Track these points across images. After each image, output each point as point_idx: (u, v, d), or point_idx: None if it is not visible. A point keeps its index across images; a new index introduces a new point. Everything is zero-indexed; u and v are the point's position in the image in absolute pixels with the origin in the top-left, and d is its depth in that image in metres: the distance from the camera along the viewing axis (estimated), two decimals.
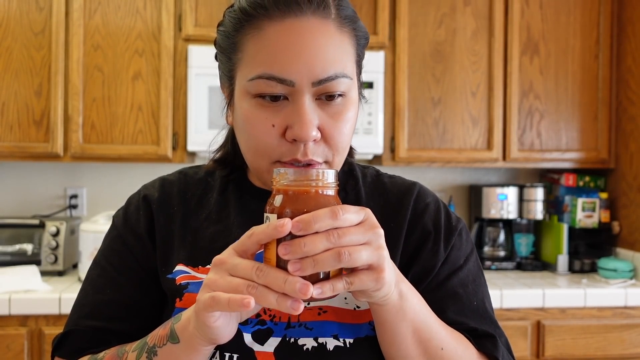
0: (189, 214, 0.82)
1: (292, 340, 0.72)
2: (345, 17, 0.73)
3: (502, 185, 2.69)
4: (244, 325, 0.72)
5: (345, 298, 0.75)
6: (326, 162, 0.73)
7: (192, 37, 2.39)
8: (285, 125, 0.70)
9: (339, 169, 0.77)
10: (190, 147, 2.35)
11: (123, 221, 0.84)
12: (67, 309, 2.04)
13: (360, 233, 0.58)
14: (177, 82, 2.40)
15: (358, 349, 0.72)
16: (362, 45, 0.77)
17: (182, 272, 0.77)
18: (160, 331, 0.69)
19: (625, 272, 2.44)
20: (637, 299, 2.29)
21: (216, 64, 0.82)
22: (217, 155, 0.89)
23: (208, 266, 0.77)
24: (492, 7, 2.55)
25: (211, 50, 2.51)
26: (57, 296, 2.05)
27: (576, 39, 2.62)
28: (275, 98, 0.70)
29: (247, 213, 0.81)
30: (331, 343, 0.71)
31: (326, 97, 0.71)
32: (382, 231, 0.60)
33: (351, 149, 0.87)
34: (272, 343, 0.72)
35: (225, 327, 0.62)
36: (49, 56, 2.34)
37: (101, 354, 0.75)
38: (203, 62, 2.34)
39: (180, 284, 0.76)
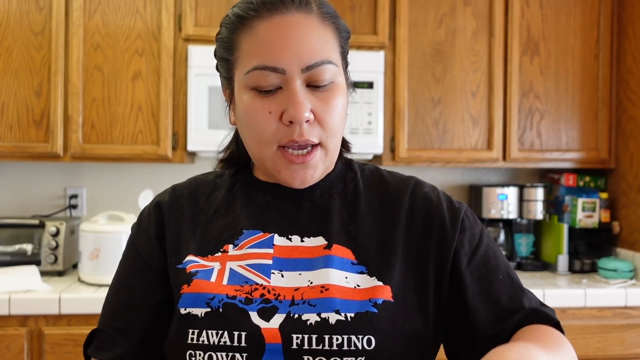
0: (199, 211, 0.89)
1: (296, 316, 0.75)
2: (325, 13, 0.81)
3: (502, 185, 2.69)
4: (248, 304, 0.77)
5: (346, 278, 0.79)
6: (320, 143, 0.80)
7: (192, 37, 2.39)
8: (281, 110, 0.78)
9: (335, 153, 0.84)
10: (190, 147, 2.35)
11: (136, 228, 0.91)
12: (66, 309, 2.04)
13: None
14: (177, 82, 2.40)
15: (359, 322, 0.75)
16: (344, 39, 0.84)
17: (192, 261, 0.83)
18: None
19: (625, 272, 2.44)
20: (637, 299, 2.28)
21: (216, 63, 0.88)
22: (224, 156, 0.95)
23: (217, 254, 0.83)
24: (492, 7, 2.55)
25: (211, 50, 2.51)
26: (57, 296, 2.05)
27: (576, 39, 2.62)
28: (269, 91, 0.78)
29: (252, 205, 0.87)
30: (333, 317, 0.75)
31: (315, 85, 0.79)
32: None
33: (347, 142, 0.93)
34: (277, 320, 0.76)
35: None
36: (48, 56, 2.34)
37: None
38: (203, 62, 2.34)
39: (190, 271, 0.81)
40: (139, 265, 0.87)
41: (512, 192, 2.67)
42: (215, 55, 0.88)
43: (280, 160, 0.80)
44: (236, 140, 0.94)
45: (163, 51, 2.38)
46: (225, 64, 0.84)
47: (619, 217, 2.67)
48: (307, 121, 0.78)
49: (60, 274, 2.37)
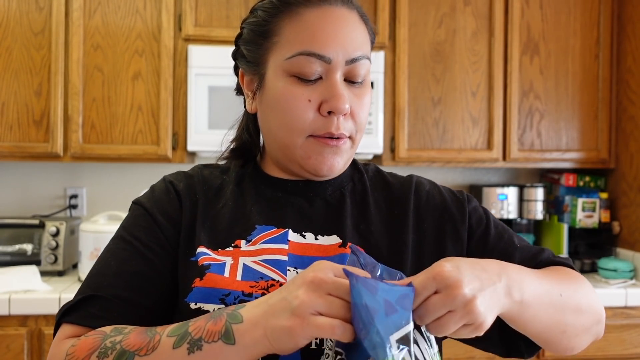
0: (208, 203, 0.85)
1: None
2: (362, 14, 0.85)
3: (502, 185, 2.69)
4: None
5: None
6: (350, 137, 0.82)
7: (192, 37, 2.39)
8: (320, 100, 0.78)
9: (356, 149, 0.85)
10: (190, 147, 2.35)
11: (152, 201, 0.85)
12: None
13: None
14: (177, 82, 2.40)
15: None
16: (371, 43, 0.86)
17: (204, 253, 0.79)
18: (209, 325, 0.65)
19: (625, 272, 2.44)
20: (637, 299, 2.29)
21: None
22: (235, 145, 0.94)
23: (228, 249, 0.80)
24: (492, 7, 2.55)
25: (211, 50, 2.51)
26: (57, 296, 2.05)
27: (576, 39, 2.62)
28: (310, 80, 0.78)
29: (263, 201, 0.86)
30: None
31: (351, 80, 0.80)
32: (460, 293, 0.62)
33: None
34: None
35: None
36: (48, 56, 2.34)
37: (127, 329, 0.71)
38: (203, 62, 2.33)
39: (203, 264, 0.78)
40: (159, 240, 0.81)
41: (512, 192, 2.67)
42: (237, 40, 0.87)
43: (311, 147, 0.80)
44: (248, 130, 0.93)
45: (163, 51, 2.38)
46: (256, 48, 0.83)
47: (619, 217, 2.67)
48: (344, 114, 0.79)
49: (60, 274, 2.37)
